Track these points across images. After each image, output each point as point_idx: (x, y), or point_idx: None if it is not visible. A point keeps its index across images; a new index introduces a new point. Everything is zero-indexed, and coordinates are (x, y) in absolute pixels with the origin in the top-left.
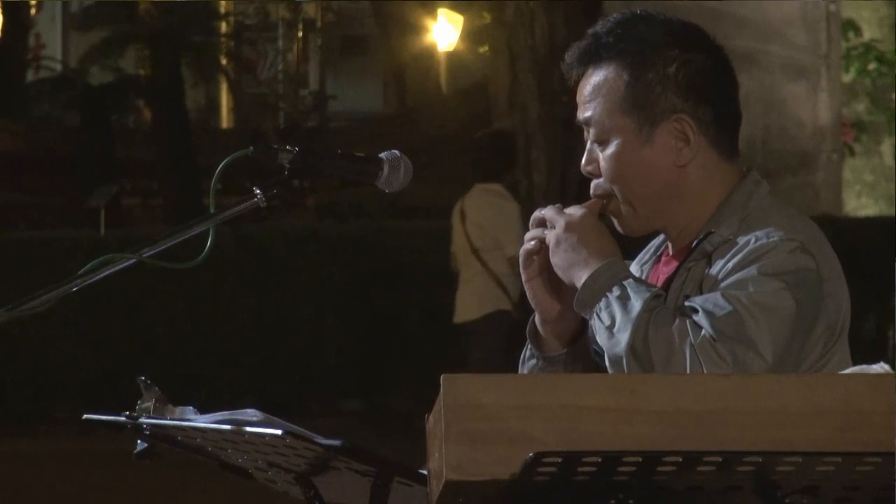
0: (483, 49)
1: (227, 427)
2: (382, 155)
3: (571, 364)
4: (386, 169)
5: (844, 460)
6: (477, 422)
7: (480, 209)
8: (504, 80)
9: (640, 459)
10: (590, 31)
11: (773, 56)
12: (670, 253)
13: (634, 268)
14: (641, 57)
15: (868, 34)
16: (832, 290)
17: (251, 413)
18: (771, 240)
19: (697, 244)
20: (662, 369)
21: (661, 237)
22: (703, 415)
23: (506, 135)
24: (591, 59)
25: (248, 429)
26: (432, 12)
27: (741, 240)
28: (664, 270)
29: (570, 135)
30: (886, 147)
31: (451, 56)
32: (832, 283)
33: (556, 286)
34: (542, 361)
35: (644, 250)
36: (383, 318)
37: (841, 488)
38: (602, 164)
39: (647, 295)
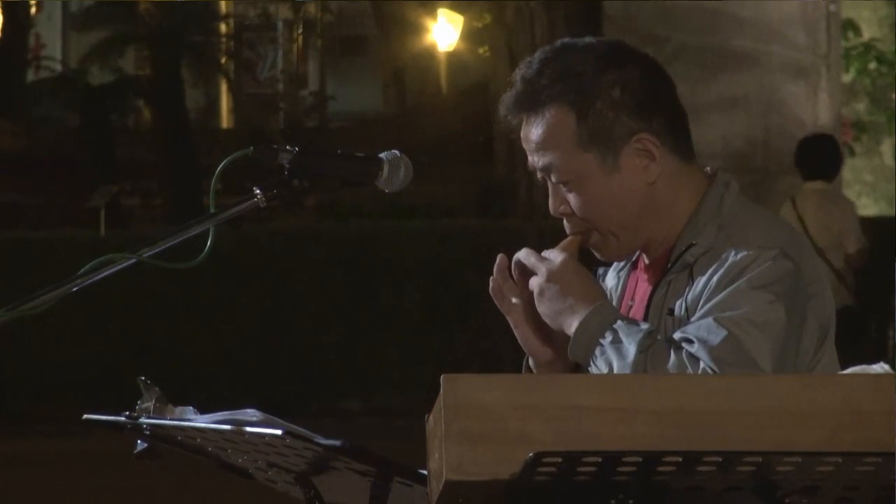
0: (483, 49)
1: (227, 427)
2: (382, 155)
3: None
4: (386, 169)
5: (844, 460)
6: (477, 422)
7: (821, 209)
8: (504, 80)
9: (640, 459)
10: (517, 76)
11: (772, 56)
12: (646, 260)
13: (611, 275)
14: (581, 90)
15: (868, 34)
16: (817, 290)
17: (251, 413)
18: (751, 251)
19: (679, 256)
20: None
21: None
22: (703, 415)
23: (830, 136)
24: (528, 105)
25: (248, 429)
26: (432, 12)
27: (722, 251)
28: (643, 277)
29: None
30: (886, 147)
31: (451, 56)
32: (816, 282)
33: (546, 330)
34: (535, 368)
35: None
36: (383, 317)
37: (841, 488)
38: (573, 203)
39: (640, 336)
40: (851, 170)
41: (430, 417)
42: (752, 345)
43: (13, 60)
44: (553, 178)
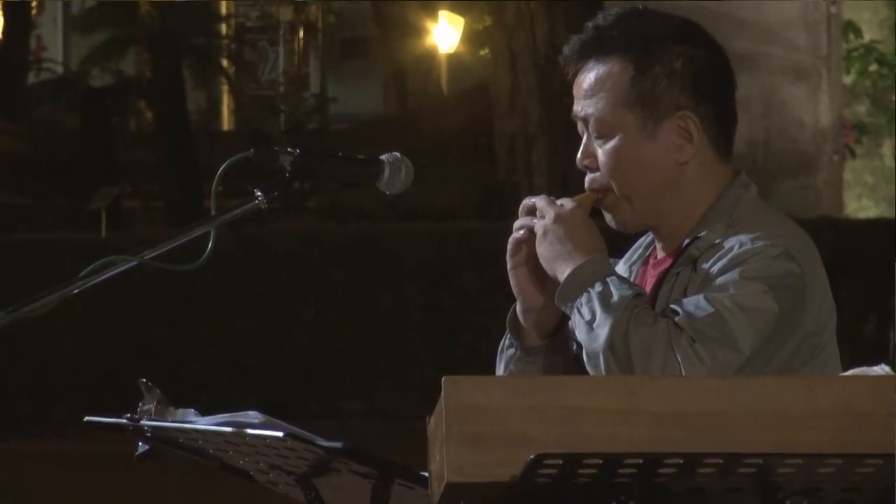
0: (484, 51)
1: (229, 429)
2: (383, 157)
3: (549, 357)
4: (387, 171)
5: (845, 462)
6: (478, 424)
7: None
8: (505, 82)
9: (641, 461)
10: (591, 24)
11: (773, 58)
12: (658, 256)
13: (622, 267)
14: (647, 51)
15: (868, 36)
16: (817, 300)
17: (252, 415)
18: (755, 245)
19: (685, 249)
20: (640, 368)
21: (650, 237)
22: (703, 417)
23: None
24: (593, 52)
25: (250, 431)
26: (433, 14)
27: (726, 244)
28: (652, 273)
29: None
30: (887, 149)
31: (452, 58)
32: (817, 291)
33: (541, 277)
34: (519, 352)
35: (632, 249)
36: (384, 319)
37: (841, 490)
38: (601, 158)
39: (630, 293)
40: (852, 172)
41: (431, 419)
42: (736, 326)
43: (14, 62)
44: (590, 129)
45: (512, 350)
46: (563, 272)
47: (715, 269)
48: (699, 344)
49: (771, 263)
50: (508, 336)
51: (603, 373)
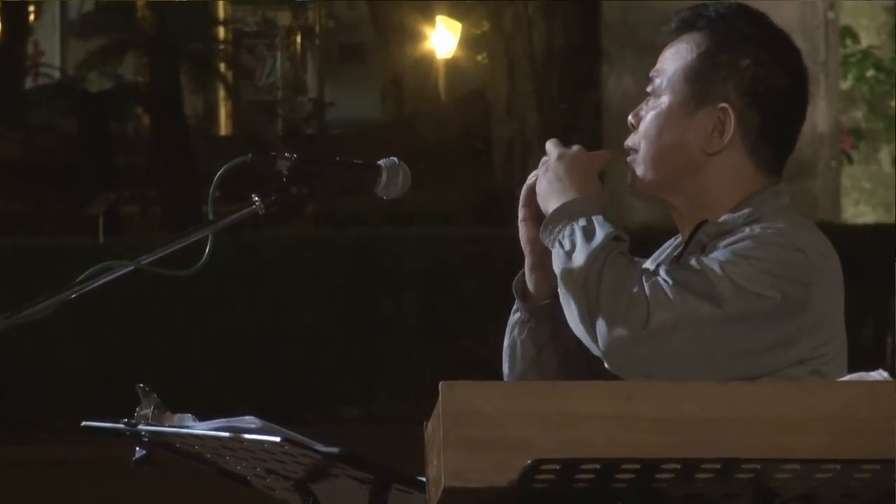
0: (481, 56)
1: (226, 434)
2: (381, 162)
3: (555, 321)
4: (384, 176)
5: (843, 467)
6: (475, 429)
7: None
8: (502, 87)
9: (639, 467)
10: (694, 5)
11: None
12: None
13: (649, 265)
14: (725, 38)
15: (866, 41)
16: (823, 302)
17: (250, 420)
18: (767, 232)
19: (693, 234)
20: (607, 304)
21: (679, 238)
22: (701, 422)
23: None
24: (686, 28)
25: (247, 436)
26: (430, 20)
27: (739, 231)
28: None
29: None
30: (885, 154)
31: (450, 63)
32: (825, 293)
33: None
34: (525, 314)
35: (660, 249)
36: (381, 324)
37: (839, 496)
38: (644, 114)
39: (613, 234)
40: (850, 177)
41: (429, 424)
42: (719, 285)
43: (12, 67)
44: (650, 88)
45: (518, 314)
46: (553, 206)
47: (721, 244)
48: (674, 287)
49: (779, 251)
50: (517, 302)
51: (572, 305)
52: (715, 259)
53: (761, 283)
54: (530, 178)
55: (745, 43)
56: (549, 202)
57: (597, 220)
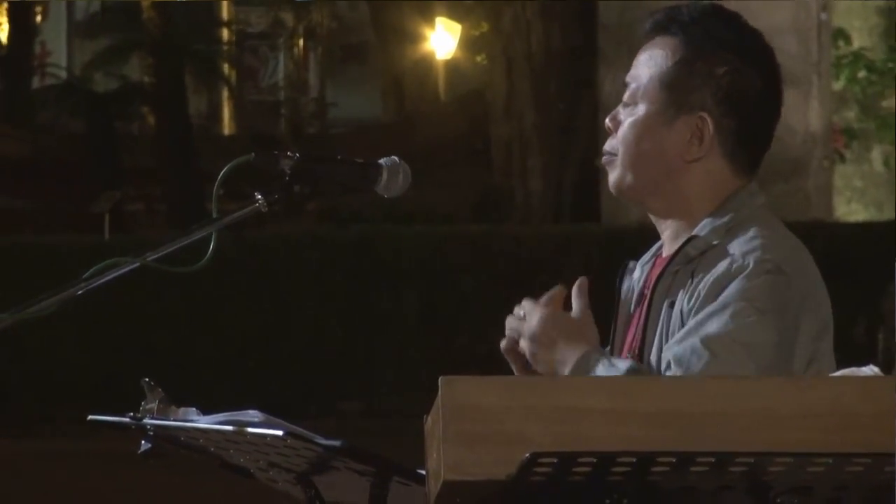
0: (480, 57)
1: (229, 428)
2: (381, 161)
3: None
4: (385, 175)
5: (835, 461)
6: (474, 423)
7: None
8: (501, 87)
9: (635, 460)
10: (668, 6)
11: None
12: (663, 255)
13: (637, 270)
14: (700, 45)
15: (858, 42)
16: (810, 302)
17: (252, 414)
18: (746, 261)
19: (682, 247)
20: None
21: (660, 244)
22: (696, 416)
23: None
24: (661, 30)
25: (250, 429)
26: (430, 21)
27: (722, 254)
28: (657, 271)
29: (566, 142)
30: (876, 154)
31: (449, 64)
32: (810, 295)
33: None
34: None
35: (647, 253)
36: (382, 321)
37: (832, 488)
38: (622, 121)
39: (625, 370)
40: (842, 176)
41: (429, 418)
42: (735, 366)
43: (18, 67)
44: (626, 95)
45: None
46: (566, 370)
47: (709, 284)
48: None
49: (762, 284)
50: None
51: None
52: (713, 327)
53: (760, 329)
54: (505, 338)
55: (720, 49)
56: (560, 369)
57: (602, 364)
